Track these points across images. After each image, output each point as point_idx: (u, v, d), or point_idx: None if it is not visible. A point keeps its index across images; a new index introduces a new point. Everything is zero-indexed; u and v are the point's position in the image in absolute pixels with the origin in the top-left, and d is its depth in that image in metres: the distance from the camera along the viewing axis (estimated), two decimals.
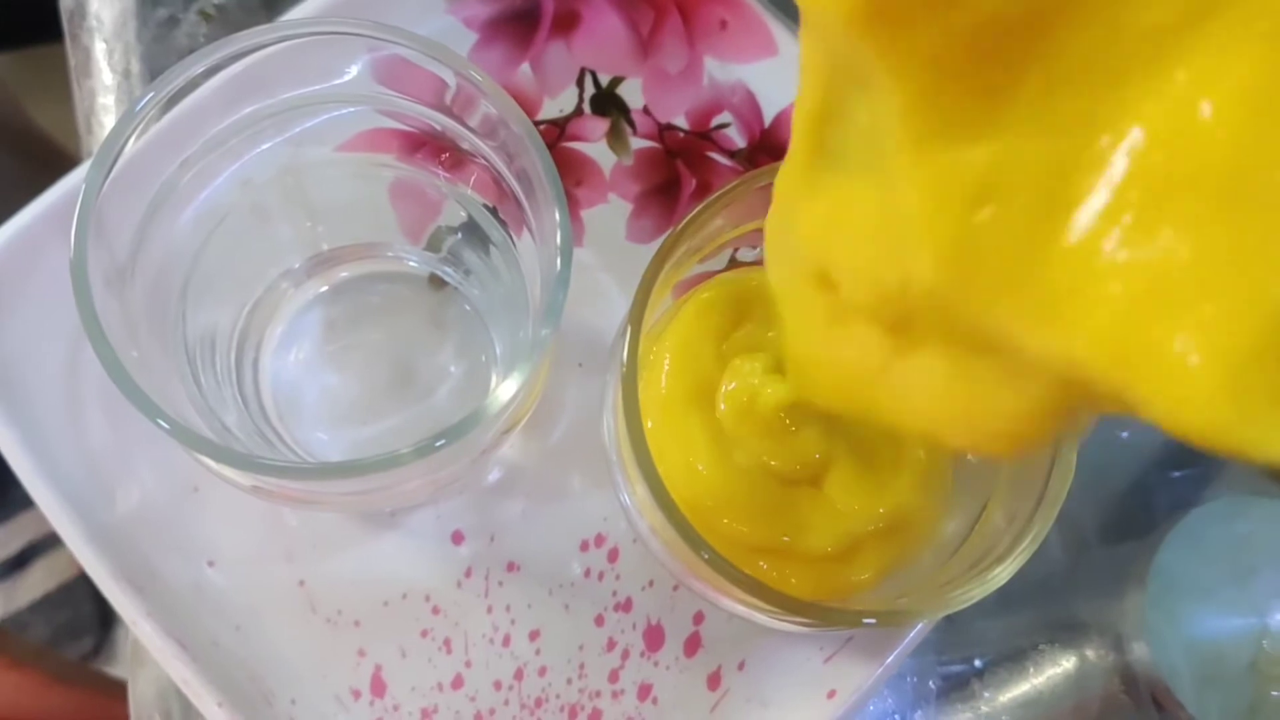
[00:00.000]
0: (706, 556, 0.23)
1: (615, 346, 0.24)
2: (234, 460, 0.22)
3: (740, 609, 0.25)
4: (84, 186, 0.22)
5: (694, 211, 0.23)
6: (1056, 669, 0.33)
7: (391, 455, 0.21)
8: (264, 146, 0.26)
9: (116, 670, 0.80)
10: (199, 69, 0.23)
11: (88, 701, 0.56)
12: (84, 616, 0.83)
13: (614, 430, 0.25)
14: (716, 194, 0.23)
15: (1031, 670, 0.32)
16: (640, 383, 0.25)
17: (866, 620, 0.23)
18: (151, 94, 0.22)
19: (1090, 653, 0.33)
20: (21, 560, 0.83)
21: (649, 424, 0.25)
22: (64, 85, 0.34)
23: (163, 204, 0.24)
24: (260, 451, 0.27)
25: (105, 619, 0.83)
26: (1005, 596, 0.33)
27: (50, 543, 0.84)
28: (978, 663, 0.32)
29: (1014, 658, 0.32)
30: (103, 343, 0.21)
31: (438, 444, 0.22)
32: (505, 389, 0.22)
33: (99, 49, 0.33)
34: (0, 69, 0.78)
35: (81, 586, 0.83)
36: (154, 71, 0.33)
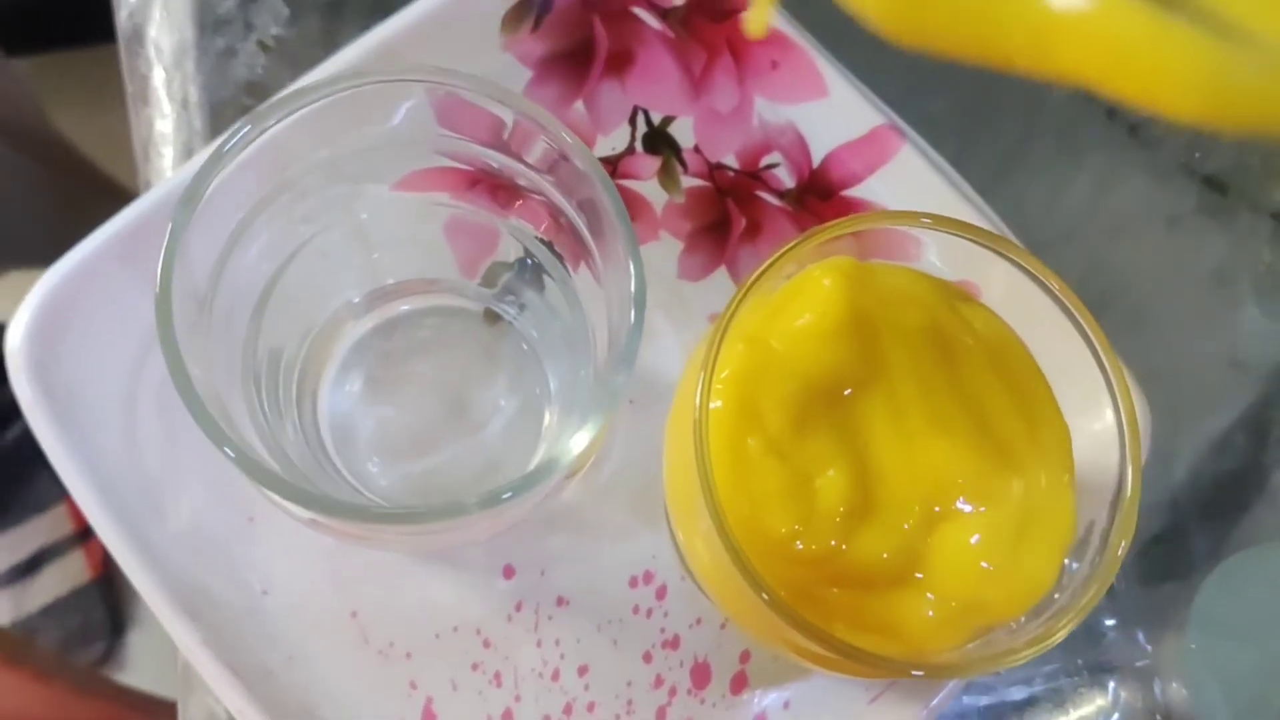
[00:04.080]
0: (766, 599, 0.23)
1: (683, 388, 0.24)
2: (299, 496, 0.22)
3: (788, 650, 0.26)
4: (170, 225, 0.22)
5: (767, 262, 0.23)
6: (1093, 708, 0.33)
7: (457, 504, 0.22)
8: (328, 186, 0.26)
9: (126, 676, 0.80)
10: (272, 120, 0.23)
11: (109, 713, 0.57)
12: (95, 622, 0.83)
13: (673, 469, 0.25)
14: (789, 245, 0.23)
15: (1070, 710, 0.33)
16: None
17: (915, 673, 0.24)
18: (231, 142, 0.23)
19: (1126, 694, 0.33)
20: (33, 565, 0.83)
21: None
22: (85, 90, 0.34)
23: (236, 242, 0.25)
24: (318, 483, 0.27)
25: (116, 625, 0.83)
26: None
27: (62, 548, 0.84)
28: (1017, 700, 0.33)
29: (1052, 697, 0.33)
30: (182, 376, 0.21)
31: (504, 495, 0.22)
32: (579, 440, 0.22)
33: (158, 77, 0.33)
34: (23, 73, 0.79)
35: (92, 592, 0.83)
36: (212, 101, 0.33)
